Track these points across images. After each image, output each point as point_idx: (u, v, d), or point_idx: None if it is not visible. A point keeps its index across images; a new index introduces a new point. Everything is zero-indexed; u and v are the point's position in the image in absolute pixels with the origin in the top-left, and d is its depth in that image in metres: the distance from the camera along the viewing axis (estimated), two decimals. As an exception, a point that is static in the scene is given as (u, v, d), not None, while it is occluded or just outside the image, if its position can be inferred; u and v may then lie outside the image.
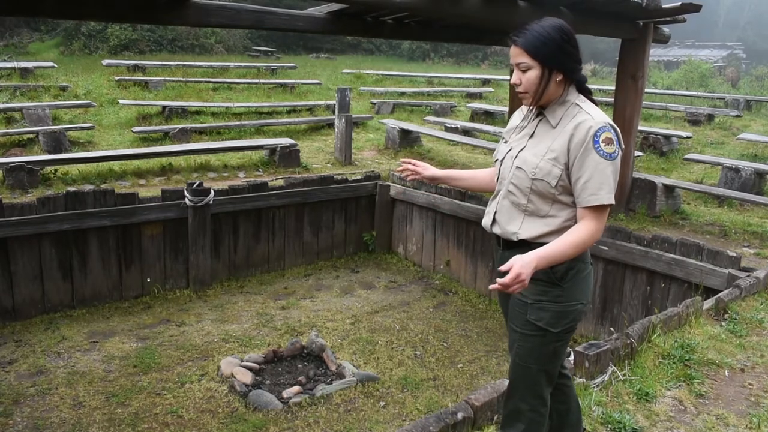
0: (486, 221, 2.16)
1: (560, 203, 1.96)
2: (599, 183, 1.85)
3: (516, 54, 1.93)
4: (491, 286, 1.77)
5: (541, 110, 2.01)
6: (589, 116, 1.90)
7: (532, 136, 2.02)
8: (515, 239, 2.02)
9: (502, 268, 1.79)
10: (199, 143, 8.66)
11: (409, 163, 2.36)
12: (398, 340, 5.43)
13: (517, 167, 2.00)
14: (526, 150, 2.00)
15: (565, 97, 1.96)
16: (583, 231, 1.87)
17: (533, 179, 1.95)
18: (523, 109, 2.15)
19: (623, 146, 1.92)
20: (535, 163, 1.95)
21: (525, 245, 1.99)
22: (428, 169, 2.35)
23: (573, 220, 1.97)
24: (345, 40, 21.82)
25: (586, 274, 2.01)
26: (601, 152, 1.85)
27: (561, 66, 1.91)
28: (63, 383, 4.47)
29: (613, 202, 1.87)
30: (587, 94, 2.00)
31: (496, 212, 2.10)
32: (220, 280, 6.50)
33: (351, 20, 5.70)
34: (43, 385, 4.44)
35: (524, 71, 1.92)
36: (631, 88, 6.19)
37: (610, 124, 1.89)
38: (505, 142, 2.14)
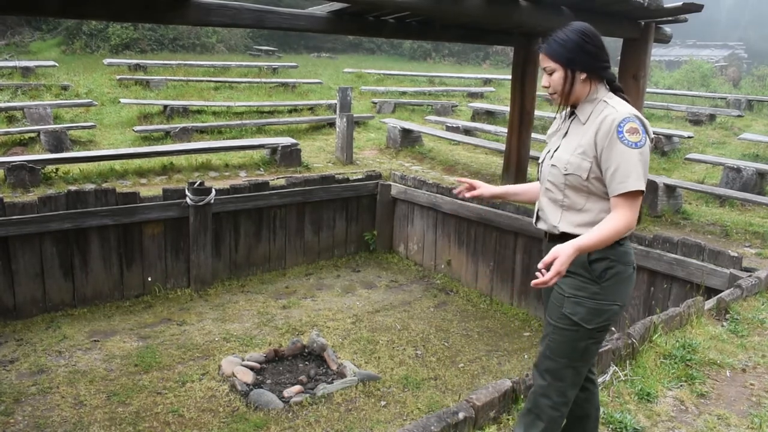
0: (533, 219, 2.30)
1: (595, 196, 2.05)
2: (626, 171, 1.94)
3: (542, 60, 2.10)
4: (534, 282, 1.86)
5: (573, 110, 2.14)
6: (613, 109, 2.00)
7: (565, 135, 2.16)
8: (557, 232, 2.14)
9: (546, 260, 1.88)
10: (201, 142, 8.66)
11: (466, 182, 2.46)
12: (399, 340, 5.43)
13: (552, 165, 2.14)
14: (561, 148, 2.14)
15: (593, 95, 2.07)
16: (616, 219, 1.96)
17: (566, 174, 2.08)
18: (562, 114, 2.27)
19: (651, 136, 2.02)
20: (567, 159, 2.08)
21: (567, 237, 2.07)
22: (486, 188, 2.44)
23: (608, 212, 2.05)
24: (346, 40, 21.81)
25: (626, 276, 2.07)
26: (626, 141, 1.94)
27: (582, 65, 2.03)
28: (64, 382, 4.48)
29: (642, 188, 1.95)
30: (619, 91, 2.09)
31: (538, 210, 2.24)
32: (221, 280, 6.50)
33: (352, 19, 5.70)
34: (44, 384, 4.44)
35: (550, 74, 2.08)
36: (633, 88, 6.18)
37: (635, 115, 1.98)
38: (547, 146, 2.27)
